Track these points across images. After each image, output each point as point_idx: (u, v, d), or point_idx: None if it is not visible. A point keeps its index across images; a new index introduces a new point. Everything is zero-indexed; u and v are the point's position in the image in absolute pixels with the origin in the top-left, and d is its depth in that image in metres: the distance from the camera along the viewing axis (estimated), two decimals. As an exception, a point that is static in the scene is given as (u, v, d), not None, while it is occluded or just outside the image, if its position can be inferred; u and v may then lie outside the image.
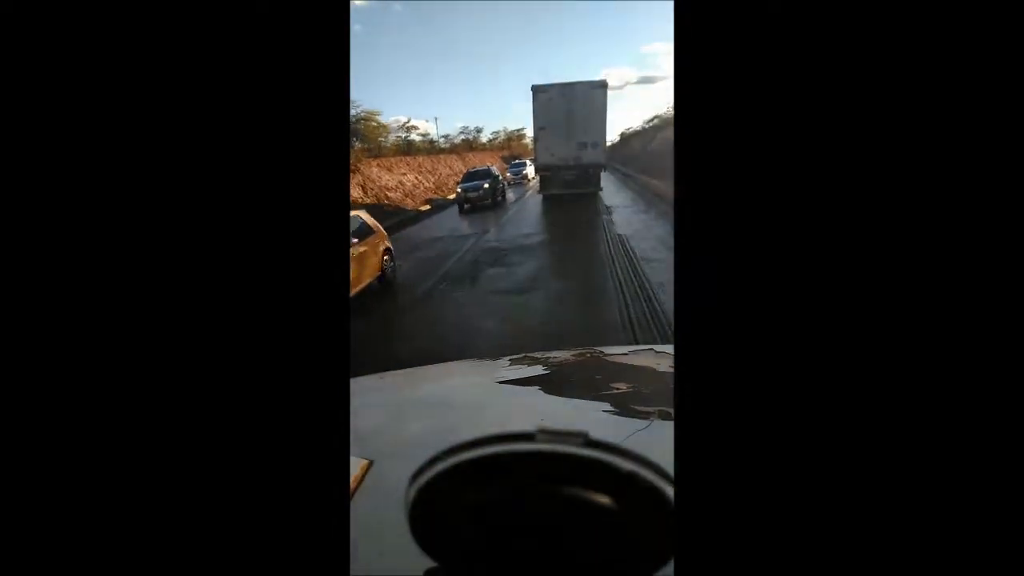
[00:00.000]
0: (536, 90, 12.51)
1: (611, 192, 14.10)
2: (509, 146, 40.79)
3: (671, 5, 0.38)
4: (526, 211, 12.37)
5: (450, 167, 24.49)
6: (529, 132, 15.19)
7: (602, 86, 12.47)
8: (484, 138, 37.94)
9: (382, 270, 5.82)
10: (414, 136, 26.10)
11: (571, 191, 12.51)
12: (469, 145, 34.36)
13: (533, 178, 18.74)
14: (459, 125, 50.30)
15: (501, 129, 47.68)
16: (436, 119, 73.60)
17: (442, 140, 31.19)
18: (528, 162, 20.83)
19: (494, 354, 1.33)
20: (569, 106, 12.29)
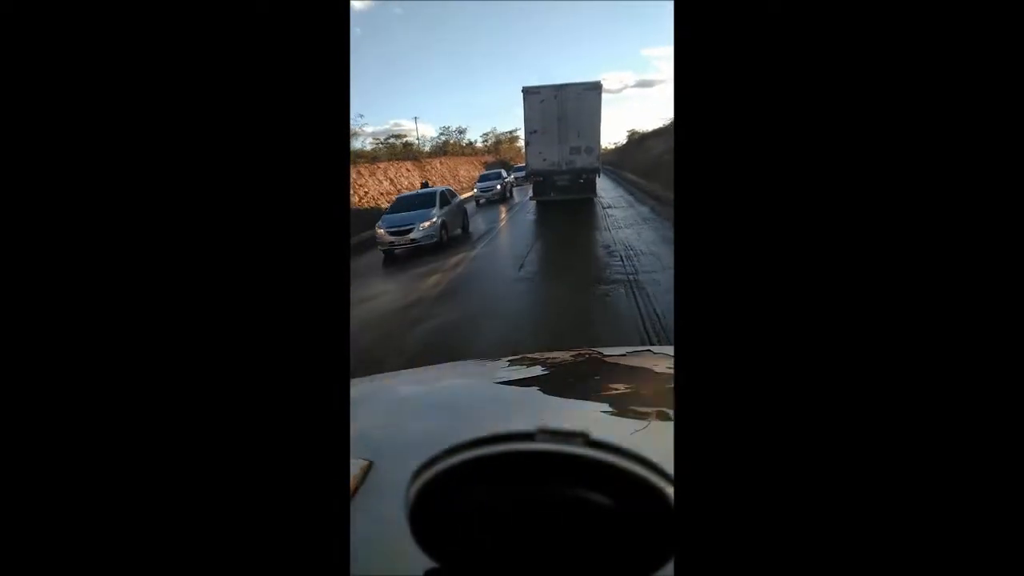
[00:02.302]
0: (527, 92, 12.08)
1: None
2: (498, 150, 35.15)
3: (671, 7, 0.38)
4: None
5: (391, 179, 17.47)
6: (521, 134, 14.08)
7: (595, 88, 12.09)
8: (467, 139, 32.05)
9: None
10: (392, 140, 21.81)
11: (565, 197, 12.12)
12: (443, 149, 27.20)
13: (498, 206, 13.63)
14: (441, 126, 44.56)
15: (490, 130, 41.22)
16: (416, 118, 69.74)
17: (418, 142, 26.06)
18: (474, 193, 13.28)
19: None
20: (561, 109, 11.90)
